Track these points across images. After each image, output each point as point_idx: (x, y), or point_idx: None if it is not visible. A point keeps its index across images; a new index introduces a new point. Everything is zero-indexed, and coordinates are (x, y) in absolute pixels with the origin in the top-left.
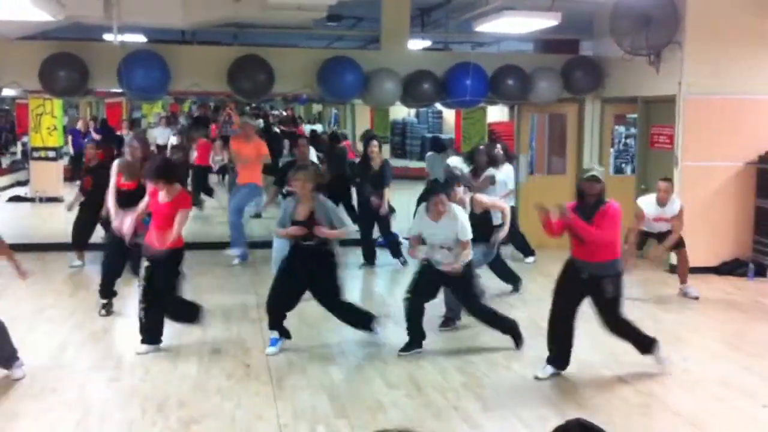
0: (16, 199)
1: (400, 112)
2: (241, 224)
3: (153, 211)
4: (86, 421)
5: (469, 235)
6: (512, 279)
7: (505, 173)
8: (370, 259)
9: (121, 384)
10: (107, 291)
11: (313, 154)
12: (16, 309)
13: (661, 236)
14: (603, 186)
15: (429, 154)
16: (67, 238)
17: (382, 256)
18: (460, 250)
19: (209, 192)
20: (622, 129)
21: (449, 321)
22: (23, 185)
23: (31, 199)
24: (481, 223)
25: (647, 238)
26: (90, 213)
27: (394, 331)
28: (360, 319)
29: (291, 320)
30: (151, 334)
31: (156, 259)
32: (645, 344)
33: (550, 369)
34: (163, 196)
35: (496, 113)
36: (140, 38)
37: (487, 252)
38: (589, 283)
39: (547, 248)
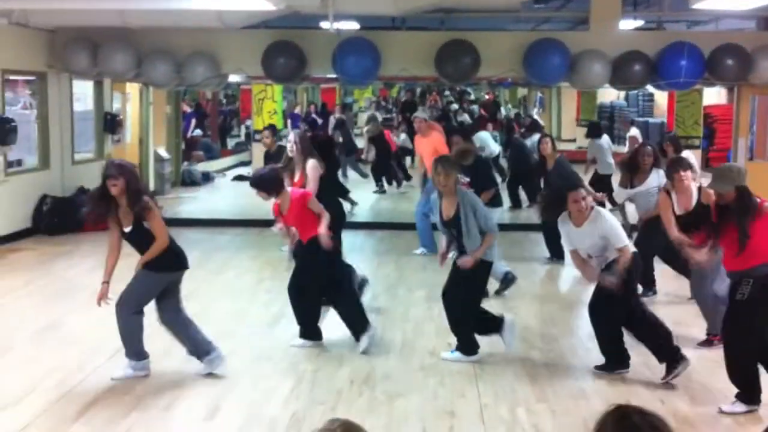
0: (239, 178)
1: (608, 95)
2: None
3: (287, 223)
4: (299, 388)
5: (624, 241)
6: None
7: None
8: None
9: (329, 355)
10: None
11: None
12: (239, 280)
13: None
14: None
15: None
16: None
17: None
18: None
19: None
20: None
21: None
22: (246, 165)
23: None
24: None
25: None
26: None
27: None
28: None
29: (492, 303)
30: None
31: (303, 253)
32: None
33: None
34: (283, 207)
35: (713, 96)
36: (354, 25)
37: None
38: None
39: None
